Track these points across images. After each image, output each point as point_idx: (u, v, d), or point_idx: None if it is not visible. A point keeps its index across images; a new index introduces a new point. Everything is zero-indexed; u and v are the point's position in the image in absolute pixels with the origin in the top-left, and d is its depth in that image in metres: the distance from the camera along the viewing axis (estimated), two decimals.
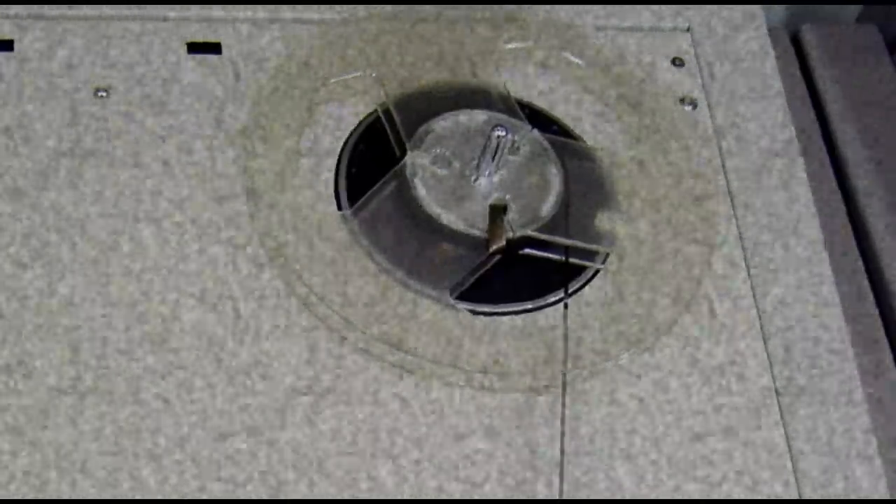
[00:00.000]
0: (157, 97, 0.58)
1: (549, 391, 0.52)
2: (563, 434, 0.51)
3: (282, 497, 0.49)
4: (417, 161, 0.56)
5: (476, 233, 0.55)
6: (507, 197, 0.56)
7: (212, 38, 0.61)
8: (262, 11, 0.62)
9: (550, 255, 0.56)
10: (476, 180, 0.56)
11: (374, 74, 0.60)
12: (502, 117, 0.58)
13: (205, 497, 0.48)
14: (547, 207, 0.56)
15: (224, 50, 0.60)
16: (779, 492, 0.51)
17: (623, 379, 0.53)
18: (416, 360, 0.52)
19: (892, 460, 0.54)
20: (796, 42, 0.72)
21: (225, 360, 0.52)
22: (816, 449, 0.52)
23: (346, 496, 0.49)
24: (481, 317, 0.54)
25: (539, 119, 0.60)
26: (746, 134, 0.62)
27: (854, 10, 0.76)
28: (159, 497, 0.48)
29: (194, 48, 0.60)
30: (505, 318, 0.54)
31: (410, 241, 0.55)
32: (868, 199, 0.65)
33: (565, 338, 0.53)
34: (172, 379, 0.51)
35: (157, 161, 0.57)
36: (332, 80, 0.59)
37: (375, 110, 0.59)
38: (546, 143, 0.58)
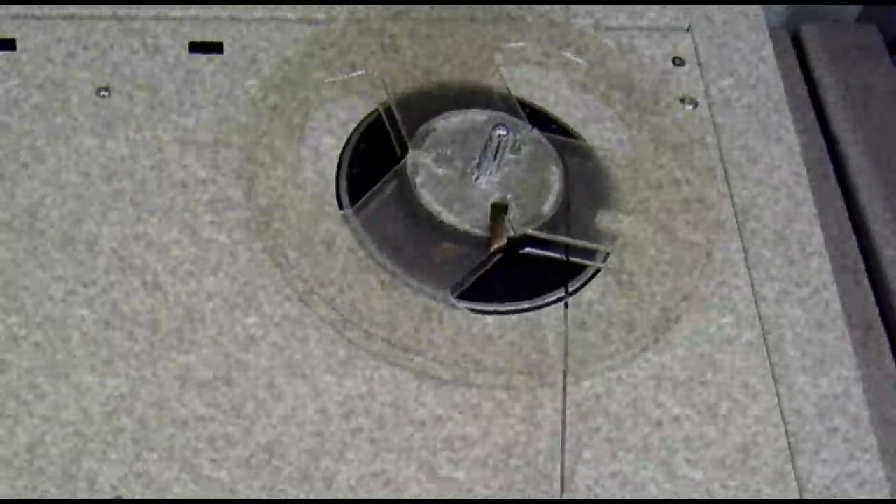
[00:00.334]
0: (159, 96, 0.59)
1: (550, 390, 0.53)
2: (563, 433, 0.51)
3: (282, 497, 0.49)
4: (418, 160, 0.57)
5: (477, 232, 0.55)
6: (508, 196, 0.56)
7: (213, 38, 0.61)
8: (263, 11, 0.62)
9: (551, 254, 0.56)
10: (477, 179, 0.56)
11: (375, 74, 0.60)
12: (503, 116, 0.58)
13: (206, 497, 0.48)
14: (548, 206, 0.56)
15: (225, 49, 0.61)
16: (779, 492, 0.51)
17: (623, 378, 0.53)
18: (416, 359, 0.52)
19: (893, 460, 0.55)
20: (796, 42, 0.72)
21: (225, 360, 0.52)
22: (817, 448, 0.52)
23: (346, 495, 0.49)
24: (482, 316, 0.54)
25: (540, 118, 0.61)
26: (746, 133, 0.62)
27: (854, 10, 0.76)
28: (159, 497, 0.48)
29: (196, 47, 0.60)
30: (506, 317, 0.54)
31: (411, 241, 0.55)
32: (868, 197, 0.65)
33: (566, 337, 0.53)
34: (171, 380, 0.51)
35: (159, 160, 0.57)
36: (334, 80, 0.60)
37: (377, 109, 0.59)
38: (547, 143, 0.58)
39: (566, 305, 0.55)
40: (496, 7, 0.63)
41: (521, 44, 0.63)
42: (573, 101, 0.62)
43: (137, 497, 0.48)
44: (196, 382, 0.51)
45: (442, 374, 0.52)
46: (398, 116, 0.58)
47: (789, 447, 0.52)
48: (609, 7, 0.65)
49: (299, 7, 0.62)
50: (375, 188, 0.56)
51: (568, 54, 0.63)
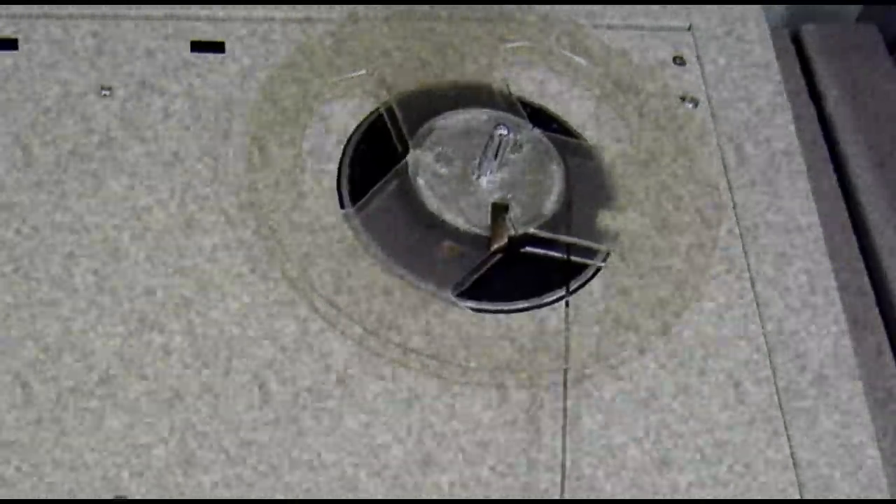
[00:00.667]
0: (161, 96, 0.59)
1: (551, 389, 0.53)
2: (564, 431, 0.51)
3: (283, 497, 0.49)
4: (420, 159, 0.57)
5: (478, 231, 0.55)
6: (509, 195, 0.56)
7: (215, 37, 0.61)
8: (265, 10, 0.62)
9: (552, 254, 0.56)
10: (478, 179, 0.56)
11: (376, 73, 0.60)
12: (504, 116, 0.58)
13: (206, 497, 0.48)
14: (548, 206, 0.56)
15: (227, 48, 0.61)
16: (780, 492, 0.51)
17: (624, 377, 0.53)
18: (418, 358, 0.52)
19: (893, 460, 0.55)
20: (797, 41, 0.72)
21: (226, 359, 0.52)
22: (817, 448, 0.52)
23: (346, 495, 0.49)
24: (483, 314, 0.54)
25: (540, 118, 0.61)
26: (747, 132, 0.62)
27: (854, 10, 0.76)
28: (160, 497, 0.48)
29: (198, 47, 0.60)
30: (507, 316, 0.54)
31: (413, 240, 0.55)
32: (868, 197, 0.65)
33: (567, 336, 0.53)
34: (174, 379, 0.51)
35: (161, 159, 0.57)
36: (335, 79, 0.60)
37: (378, 109, 0.59)
38: (547, 142, 0.58)
39: (567, 304, 0.55)
40: (497, 6, 0.63)
41: (521, 43, 0.63)
42: (574, 100, 0.62)
43: (138, 497, 0.48)
44: (195, 381, 0.51)
45: (443, 373, 0.52)
46: (399, 116, 0.58)
47: (789, 447, 0.52)
48: (610, 6, 0.65)
49: (300, 7, 0.62)
50: (377, 187, 0.56)
51: (569, 53, 0.63)
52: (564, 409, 0.52)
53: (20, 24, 0.60)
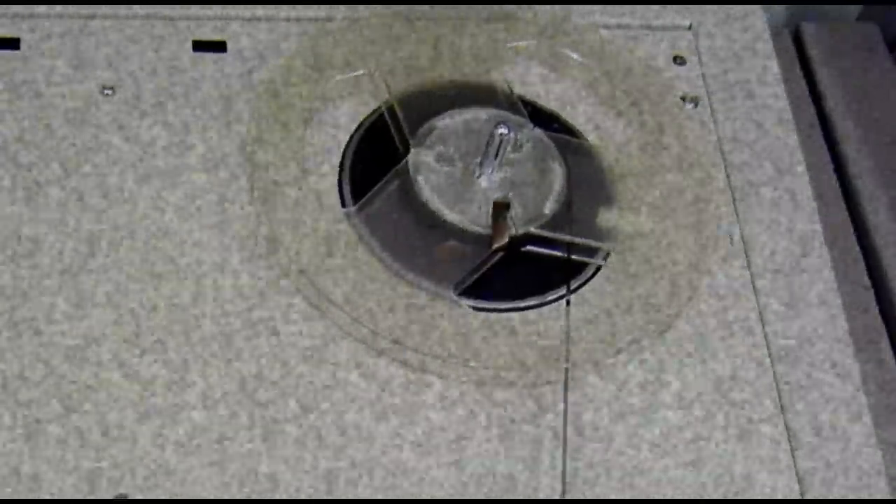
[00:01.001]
0: (163, 95, 0.59)
1: (552, 387, 0.53)
2: (565, 430, 0.51)
3: (284, 496, 0.49)
4: (421, 158, 0.57)
5: (479, 230, 0.55)
6: (510, 194, 0.56)
7: (217, 37, 0.61)
8: (266, 10, 0.62)
9: (553, 253, 0.56)
10: (479, 178, 0.56)
11: (377, 73, 0.60)
12: (505, 115, 0.58)
13: (207, 497, 0.48)
14: (549, 205, 0.56)
15: (229, 48, 0.61)
16: (780, 491, 0.51)
17: (625, 375, 0.54)
18: (418, 357, 0.52)
19: (893, 460, 0.55)
20: (797, 40, 0.72)
21: (228, 357, 0.52)
22: (817, 448, 0.52)
23: (344, 494, 0.49)
24: (484, 313, 0.54)
25: (541, 117, 0.61)
26: (747, 131, 0.62)
27: (854, 9, 0.76)
28: (161, 497, 0.48)
29: (199, 46, 0.60)
30: (507, 315, 0.54)
31: (414, 239, 0.55)
32: (868, 195, 0.65)
33: (567, 334, 0.53)
34: (175, 378, 0.51)
35: (162, 159, 0.57)
36: (336, 79, 0.60)
37: (379, 108, 0.59)
38: (548, 141, 0.58)
39: (568, 303, 0.55)
40: (498, 6, 0.63)
41: (523, 42, 0.63)
42: (575, 99, 0.62)
43: (138, 497, 0.48)
44: (196, 381, 0.51)
45: (444, 372, 0.52)
46: (400, 115, 0.58)
47: (790, 446, 0.52)
48: (611, 6, 0.65)
49: (302, 6, 0.62)
50: (378, 186, 0.56)
51: (570, 53, 0.63)
52: (565, 408, 0.52)
53: (22, 23, 0.60)
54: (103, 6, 0.61)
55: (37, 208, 0.55)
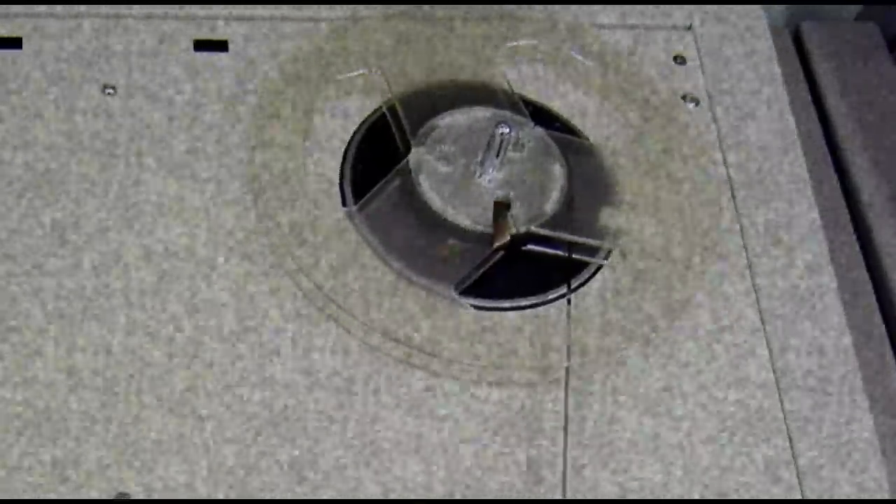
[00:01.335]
0: (164, 95, 0.59)
1: (552, 386, 0.53)
2: (565, 429, 0.51)
3: (282, 496, 0.49)
4: (422, 158, 0.57)
5: (480, 229, 0.55)
6: (511, 193, 0.56)
7: (218, 36, 0.61)
8: (268, 10, 0.62)
9: (554, 252, 0.56)
10: (480, 177, 0.57)
11: (379, 72, 0.60)
12: (506, 114, 0.58)
13: (208, 497, 0.48)
14: (550, 204, 0.56)
15: (230, 48, 0.61)
16: (780, 491, 0.51)
17: (625, 374, 0.54)
18: (419, 355, 0.52)
19: (893, 460, 0.55)
20: (797, 40, 0.72)
21: (229, 356, 0.52)
22: (817, 448, 0.52)
23: (343, 494, 0.49)
24: (485, 312, 0.54)
25: (542, 116, 0.61)
26: (748, 131, 0.62)
27: (854, 9, 0.76)
28: (165, 497, 0.48)
29: (201, 46, 0.60)
30: (508, 314, 0.54)
31: (415, 237, 0.55)
32: (869, 195, 0.65)
33: (568, 333, 0.54)
34: (176, 378, 0.51)
35: (164, 158, 0.57)
36: (338, 78, 0.60)
37: (380, 107, 0.59)
38: (549, 140, 0.59)
39: (569, 302, 0.55)
40: (499, 5, 0.63)
41: (523, 42, 0.63)
42: (576, 98, 0.62)
43: (139, 497, 0.48)
44: (196, 380, 0.51)
45: (444, 370, 0.52)
46: (401, 114, 0.58)
47: (790, 446, 0.52)
48: (611, 5, 0.65)
49: (303, 6, 0.62)
50: (379, 185, 0.56)
51: (570, 52, 0.63)
52: (566, 407, 0.52)
53: (24, 23, 0.60)
54: (105, 6, 0.61)
55: (37, 208, 0.55)
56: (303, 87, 0.59)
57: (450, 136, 0.58)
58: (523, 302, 0.55)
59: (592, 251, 0.57)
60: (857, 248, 0.63)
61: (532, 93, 0.62)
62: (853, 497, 0.51)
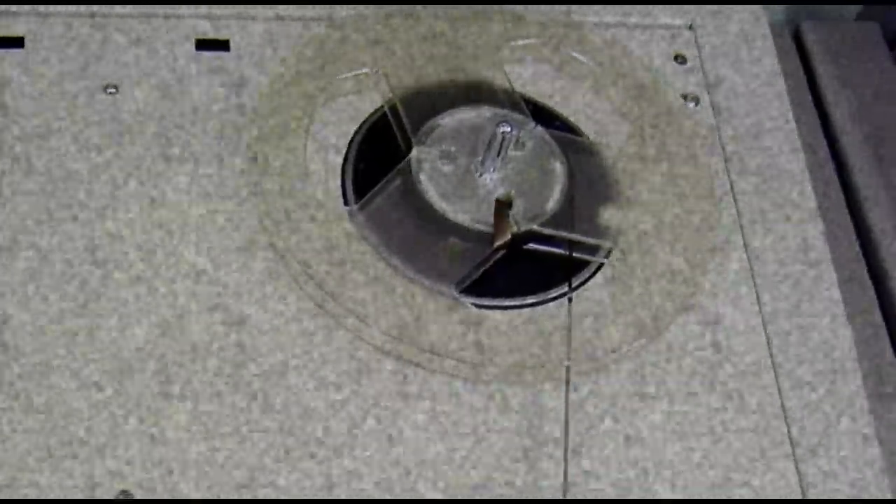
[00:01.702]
0: (166, 94, 0.59)
1: (553, 385, 0.53)
2: (566, 428, 0.51)
3: (284, 496, 0.49)
4: (423, 157, 0.57)
5: (481, 228, 0.55)
6: (512, 192, 0.56)
7: (220, 36, 0.61)
8: (269, 9, 0.62)
9: (554, 250, 0.56)
10: (481, 176, 0.57)
11: (380, 71, 0.60)
12: (507, 113, 0.58)
13: (210, 497, 0.49)
14: (551, 203, 0.57)
15: (232, 47, 0.61)
16: (780, 491, 0.51)
17: (626, 373, 0.54)
18: (420, 354, 0.52)
19: (893, 460, 0.54)
20: (797, 39, 0.72)
21: (228, 353, 0.52)
22: (818, 448, 0.52)
23: (345, 493, 0.49)
24: (486, 311, 0.54)
25: (543, 115, 0.61)
26: (748, 130, 0.62)
27: (854, 8, 0.76)
28: (165, 497, 0.48)
29: (202, 45, 0.60)
30: (509, 312, 0.54)
31: (416, 236, 0.56)
32: (869, 194, 0.65)
33: (569, 332, 0.54)
34: (178, 376, 0.51)
35: (165, 157, 0.57)
36: (339, 77, 0.60)
37: (382, 106, 0.59)
38: (550, 139, 0.59)
39: (569, 301, 0.55)
40: (500, 5, 0.63)
41: (524, 41, 0.63)
42: (576, 98, 0.62)
43: (140, 497, 0.48)
44: (198, 378, 0.51)
45: (444, 369, 0.52)
46: (403, 113, 0.58)
47: (791, 446, 0.52)
48: (612, 5, 0.65)
49: (305, 5, 0.62)
50: (380, 184, 0.56)
51: (571, 52, 0.63)
52: (566, 406, 0.52)
53: (26, 22, 0.60)
54: (106, 6, 0.61)
55: (39, 207, 0.55)
56: (304, 87, 0.59)
57: (451, 135, 0.58)
58: (524, 301, 0.55)
59: (593, 250, 0.57)
60: (857, 246, 0.63)
61: (533, 92, 0.62)
62: (853, 497, 0.51)
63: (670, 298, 0.55)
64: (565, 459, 0.50)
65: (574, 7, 0.64)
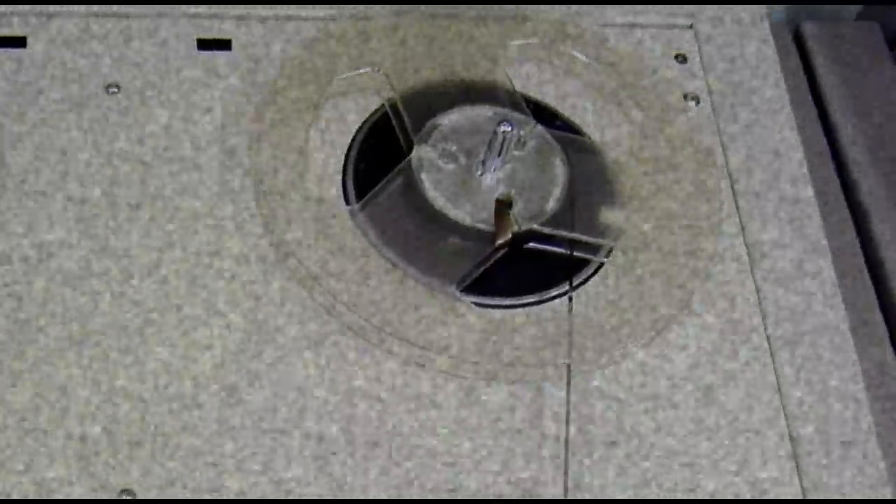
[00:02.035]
0: (168, 93, 0.59)
1: (554, 384, 0.53)
2: (567, 427, 0.51)
3: (286, 495, 0.49)
4: (424, 156, 0.57)
5: (482, 227, 0.55)
6: (513, 191, 0.56)
7: (222, 35, 0.61)
8: (271, 8, 0.62)
9: (555, 249, 0.56)
10: (482, 175, 0.57)
11: (381, 71, 0.60)
12: (508, 113, 0.59)
13: (211, 496, 0.49)
14: (552, 202, 0.57)
15: (234, 46, 0.61)
16: (781, 491, 0.51)
17: (626, 373, 0.54)
18: (421, 353, 0.52)
19: (893, 460, 0.54)
20: (797, 39, 0.72)
21: (229, 353, 0.52)
22: (818, 448, 0.52)
23: (345, 493, 0.49)
24: (487, 310, 0.54)
25: (544, 114, 0.61)
26: (748, 129, 0.62)
27: (854, 8, 0.76)
28: (169, 496, 0.48)
29: (204, 45, 0.61)
30: (510, 312, 0.55)
31: (417, 235, 0.56)
32: (869, 193, 0.65)
33: (569, 331, 0.54)
34: (180, 376, 0.51)
35: (167, 157, 0.57)
36: (341, 77, 0.60)
37: (383, 106, 0.60)
38: (551, 139, 0.59)
39: (570, 300, 0.55)
40: (501, 5, 0.63)
41: (525, 41, 0.63)
42: (577, 97, 0.62)
43: (141, 497, 0.48)
44: (199, 376, 0.51)
45: (446, 368, 0.53)
46: (404, 113, 0.58)
47: (791, 446, 0.52)
48: (613, 5, 0.65)
49: (306, 5, 0.62)
50: (381, 184, 0.57)
51: (572, 51, 0.63)
52: (567, 405, 0.52)
53: (28, 22, 0.60)
54: (109, 5, 0.61)
55: (41, 206, 0.55)
56: (306, 86, 0.59)
57: (452, 134, 0.58)
58: (525, 300, 0.55)
59: (594, 249, 0.57)
60: (857, 246, 0.63)
61: (534, 91, 0.62)
62: (853, 497, 0.51)
63: (670, 297, 0.55)
64: (566, 459, 0.50)
65: (574, 7, 0.64)
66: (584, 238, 0.56)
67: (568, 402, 0.52)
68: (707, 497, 0.51)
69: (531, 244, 0.56)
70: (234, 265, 0.54)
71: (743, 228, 0.59)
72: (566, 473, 0.50)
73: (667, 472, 0.51)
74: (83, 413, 0.50)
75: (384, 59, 0.60)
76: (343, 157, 0.58)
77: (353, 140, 0.59)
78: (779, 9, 0.75)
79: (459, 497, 0.50)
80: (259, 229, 0.55)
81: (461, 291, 0.54)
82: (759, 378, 0.54)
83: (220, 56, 0.60)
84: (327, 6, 0.62)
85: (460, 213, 0.55)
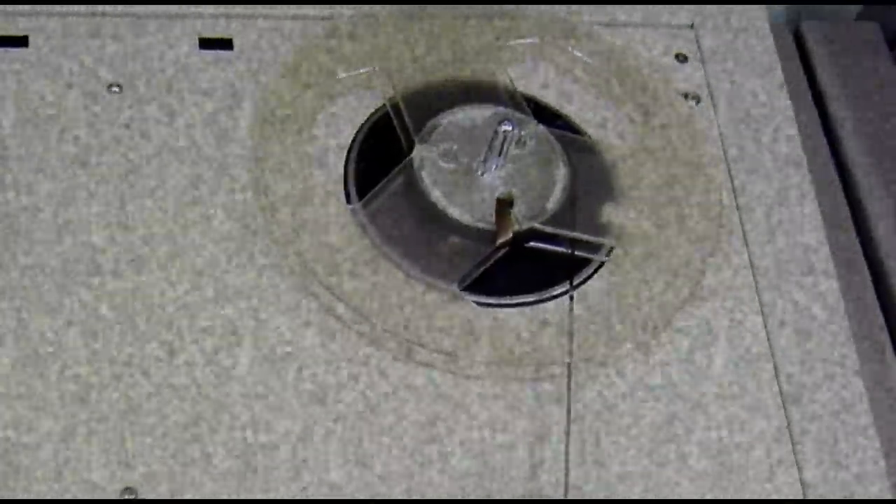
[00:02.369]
0: (170, 93, 0.59)
1: (554, 383, 0.53)
2: (568, 425, 0.51)
3: (284, 496, 0.49)
4: (425, 155, 0.57)
5: (483, 226, 0.55)
6: (514, 190, 0.56)
7: (224, 34, 0.61)
8: (273, 8, 0.62)
9: (556, 248, 0.56)
10: (483, 174, 0.57)
11: (382, 70, 0.60)
12: (509, 112, 0.59)
13: (210, 497, 0.49)
14: (552, 201, 0.57)
15: (236, 46, 0.61)
16: (780, 491, 0.51)
17: (627, 371, 0.54)
18: (422, 351, 0.52)
19: (893, 460, 0.54)
20: (798, 39, 0.72)
21: (231, 354, 0.52)
22: (818, 448, 0.52)
23: (344, 493, 0.49)
24: (488, 308, 0.54)
25: (545, 114, 0.61)
26: (749, 129, 0.62)
27: (854, 8, 0.76)
28: (167, 497, 0.48)
29: (206, 44, 0.61)
30: (511, 310, 0.55)
31: (418, 234, 0.56)
32: (869, 193, 0.65)
33: (570, 330, 0.54)
34: (181, 375, 0.51)
35: (169, 156, 0.57)
36: (342, 76, 0.60)
37: (384, 105, 0.60)
38: (552, 138, 0.59)
39: (571, 299, 0.55)
40: (501, 5, 0.63)
41: (526, 40, 0.63)
42: (578, 96, 0.62)
43: (142, 497, 0.48)
44: (199, 375, 0.51)
45: (446, 367, 0.53)
46: (405, 112, 0.58)
47: (791, 446, 0.52)
48: (613, 4, 0.65)
49: (308, 5, 0.62)
50: (382, 183, 0.57)
51: (573, 50, 0.63)
52: (568, 405, 0.52)
53: (30, 21, 0.60)
54: (110, 5, 0.61)
55: (42, 206, 0.55)
56: (307, 85, 0.59)
57: (453, 133, 0.58)
58: (525, 299, 0.55)
59: (594, 248, 0.57)
60: (857, 245, 0.63)
61: (534, 91, 0.62)
62: (853, 497, 0.51)
63: (671, 297, 0.55)
64: (566, 458, 0.50)
65: (574, 7, 0.64)
66: (585, 237, 0.56)
67: (569, 401, 0.52)
68: (707, 497, 0.51)
69: (532, 243, 0.56)
70: (234, 264, 0.54)
71: (743, 227, 0.59)
72: (566, 472, 0.50)
73: (667, 472, 0.51)
74: (84, 412, 0.50)
75: (386, 59, 0.60)
76: (344, 157, 0.58)
77: (354, 139, 0.59)
78: (779, 9, 0.75)
79: (459, 497, 0.50)
80: (260, 227, 0.55)
81: (462, 290, 0.54)
82: (759, 377, 0.54)
83: (221, 55, 0.60)
84: (328, 6, 0.62)
85: (461, 213, 0.55)
